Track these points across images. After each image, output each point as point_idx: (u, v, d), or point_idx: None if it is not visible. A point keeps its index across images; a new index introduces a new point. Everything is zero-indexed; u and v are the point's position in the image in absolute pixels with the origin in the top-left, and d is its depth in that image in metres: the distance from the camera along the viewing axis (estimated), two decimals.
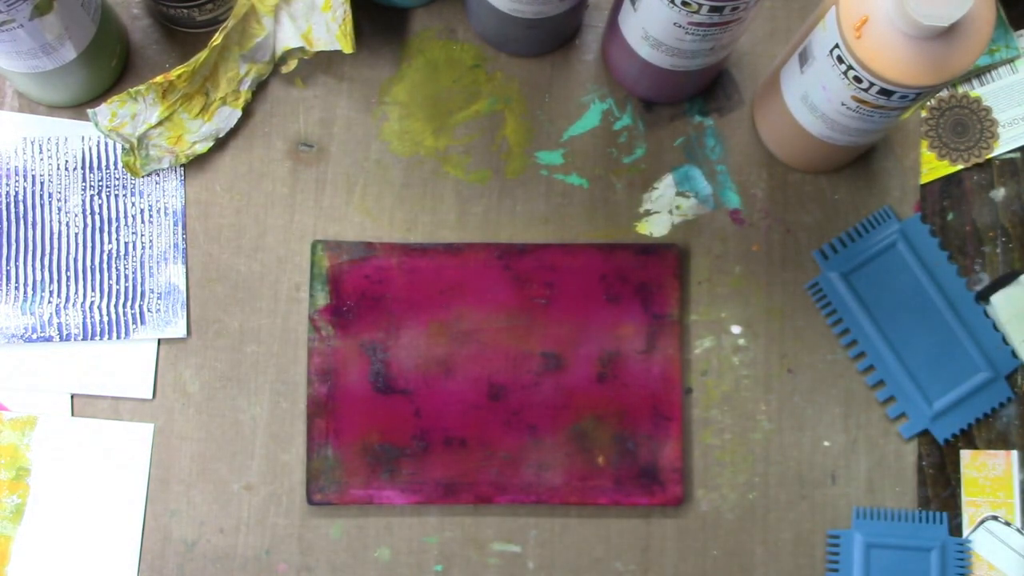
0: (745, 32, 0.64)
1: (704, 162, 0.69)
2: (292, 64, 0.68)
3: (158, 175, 0.67)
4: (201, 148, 0.67)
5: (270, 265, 0.67)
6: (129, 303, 0.66)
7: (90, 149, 0.67)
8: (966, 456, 0.68)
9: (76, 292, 0.66)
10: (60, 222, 0.66)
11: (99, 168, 0.67)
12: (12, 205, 0.66)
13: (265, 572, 0.65)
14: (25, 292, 0.65)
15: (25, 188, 0.66)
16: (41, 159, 0.67)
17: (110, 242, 0.66)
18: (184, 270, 0.67)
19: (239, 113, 0.67)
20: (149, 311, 0.66)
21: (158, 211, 0.67)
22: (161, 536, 0.65)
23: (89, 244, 0.66)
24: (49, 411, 0.65)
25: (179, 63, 0.66)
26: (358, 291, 0.66)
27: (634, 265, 0.67)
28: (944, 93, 0.71)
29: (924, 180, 0.70)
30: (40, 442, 0.65)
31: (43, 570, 0.64)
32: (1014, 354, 0.68)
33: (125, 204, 0.67)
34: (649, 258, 0.67)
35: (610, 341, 0.67)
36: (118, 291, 0.66)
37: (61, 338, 0.65)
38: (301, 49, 0.67)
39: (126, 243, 0.66)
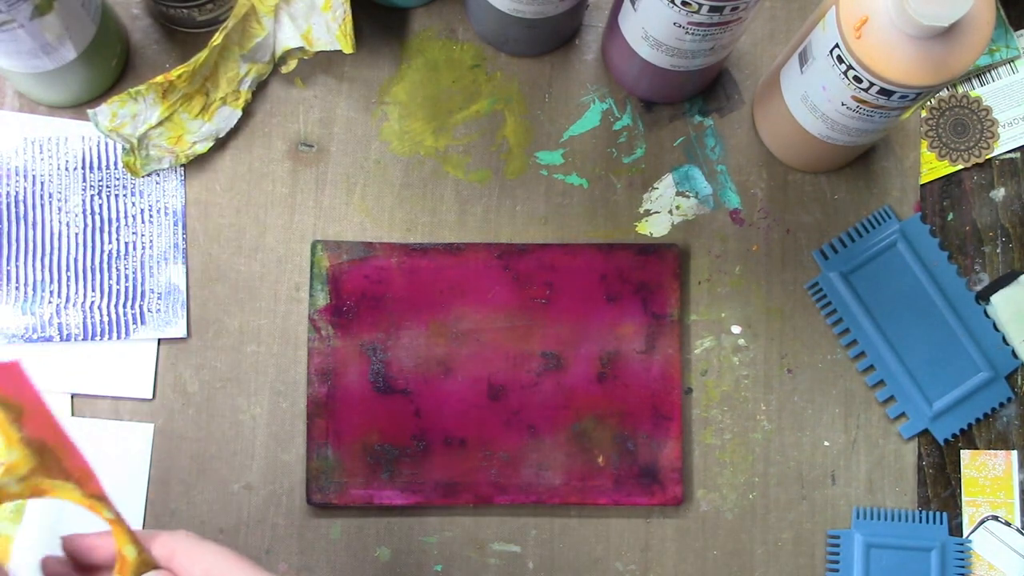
0: (745, 32, 0.64)
1: (704, 162, 0.69)
2: (292, 64, 0.68)
3: (158, 175, 0.67)
4: (201, 148, 0.67)
5: (270, 265, 0.67)
6: (129, 303, 0.66)
7: (90, 149, 0.67)
8: (966, 456, 0.68)
9: (76, 292, 0.66)
10: (60, 222, 0.66)
11: (99, 168, 0.67)
12: (12, 205, 0.66)
13: None
14: (25, 292, 0.65)
15: (25, 188, 0.66)
16: (41, 159, 0.67)
17: (110, 242, 0.66)
18: (184, 270, 0.67)
19: (239, 113, 0.67)
20: (149, 311, 0.66)
21: (158, 211, 0.67)
22: None
23: (89, 244, 0.66)
24: None
25: (179, 63, 0.66)
26: (358, 291, 0.66)
27: (634, 265, 0.67)
28: (944, 93, 0.71)
29: (924, 180, 0.70)
30: None
31: None
32: (1014, 354, 0.68)
33: (125, 204, 0.67)
34: (649, 258, 0.67)
35: (610, 341, 0.67)
36: (118, 291, 0.66)
37: (61, 338, 0.65)
38: (301, 49, 0.67)
39: (126, 243, 0.66)
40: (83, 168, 0.67)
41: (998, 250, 0.70)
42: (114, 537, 0.47)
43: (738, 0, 0.55)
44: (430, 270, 0.67)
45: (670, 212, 0.69)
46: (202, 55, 0.64)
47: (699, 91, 0.70)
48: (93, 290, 0.66)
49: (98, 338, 0.65)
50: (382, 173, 0.68)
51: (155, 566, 0.48)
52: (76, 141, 0.67)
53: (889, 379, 0.68)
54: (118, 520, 0.47)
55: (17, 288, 0.65)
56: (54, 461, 0.46)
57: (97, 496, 0.47)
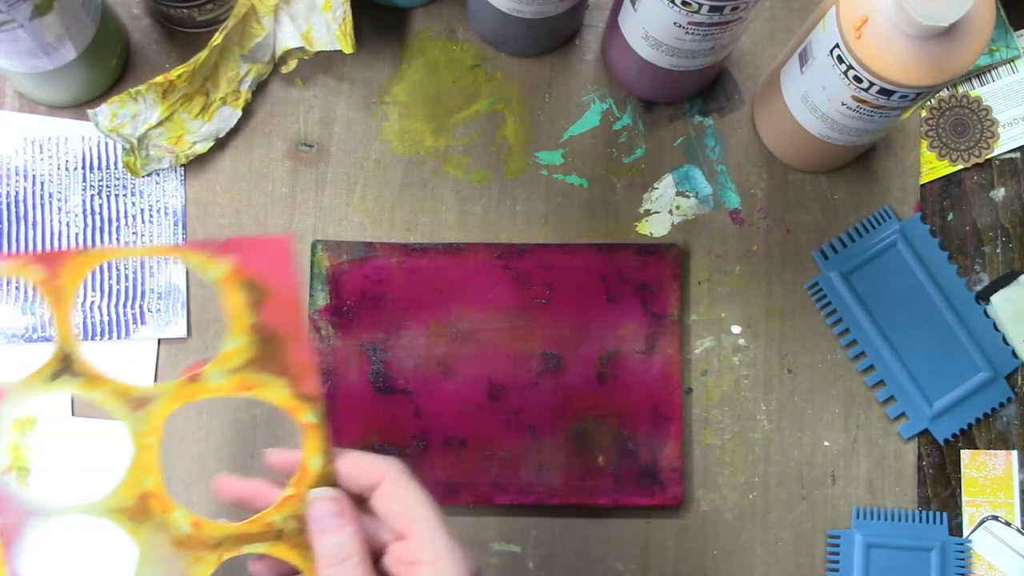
0: (745, 32, 0.64)
1: (704, 162, 0.69)
2: (292, 64, 0.68)
3: (158, 175, 0.67)
4: (201, 148, 0.67)
5: None
6: (129, 303, 0.66)
7: (90, 149, 0.67)
8: (966, 456, 0.68)
9: (76, 292, 0.66)
10: (60, 222, 0.66)
11: (99, 168, 0.67)
12: (12, 205, 0.66)
13: None
14: (25, 292, 0.65)
15: (25, 188, 0.66)
16: (41, 159, 0.67)
17: (110, 242, 0.66)
18: (184, 270, 0.67)
19: (239, 113, 0.67)
20: (149, 311, 0.66)
21: (158, 211, 0.67)
22: None
23: (89, 244, 0.66)
24: (49, 411, 0.65)
25: (179, 63, 0.66)
26: (358, 291, 0.66)
27: (634, 265, 0.67)
28: (944, 93, 0.71)
29: (924, 180, 0.70)
30: (40, 442, 0.65)
31: (43, 570, 0.64)
32: (1014, 354, 0.68)
33: (125, 204, 0.67)
34: (649, 258, 0.67)
35: (610, 341, 0.67)
36: (118, 291, 0.66)
37: None
38: (301, 49, 0.67)
39: (126, 243, 0.66)
40: (83, 168, 0.67)
41: (998, 250, 0.70)
42: (304, 444, 0.45)
43: (738, 0, 0.55)
44: (430, 270, 0.67)
45: (670, 212, 0.69)
46: (202, 55, 0.64)
47: (699, 91, 0.70)
48: (93, 290, 0.66)
49: (98, 338, 0.65)
50: (382, 173, 0.68)
51: (334, 484, 0.46)
52: (76, 141, 0.67)
53: (889, 379, 0.68)
54: (316, 427, 0.45)
55: (17, 288, 0.65)
56: (275, 354, 0.44)
57: (306, 396, 0.45)
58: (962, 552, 0.66)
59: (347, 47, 0.65)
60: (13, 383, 0.47)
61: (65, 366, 0.47)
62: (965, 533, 0.67)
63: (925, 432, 0.68)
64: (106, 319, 0.65)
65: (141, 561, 0.47)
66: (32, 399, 0.47)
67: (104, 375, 0.47)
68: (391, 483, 0.46)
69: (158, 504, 0.47)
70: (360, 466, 0.47)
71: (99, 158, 0.67)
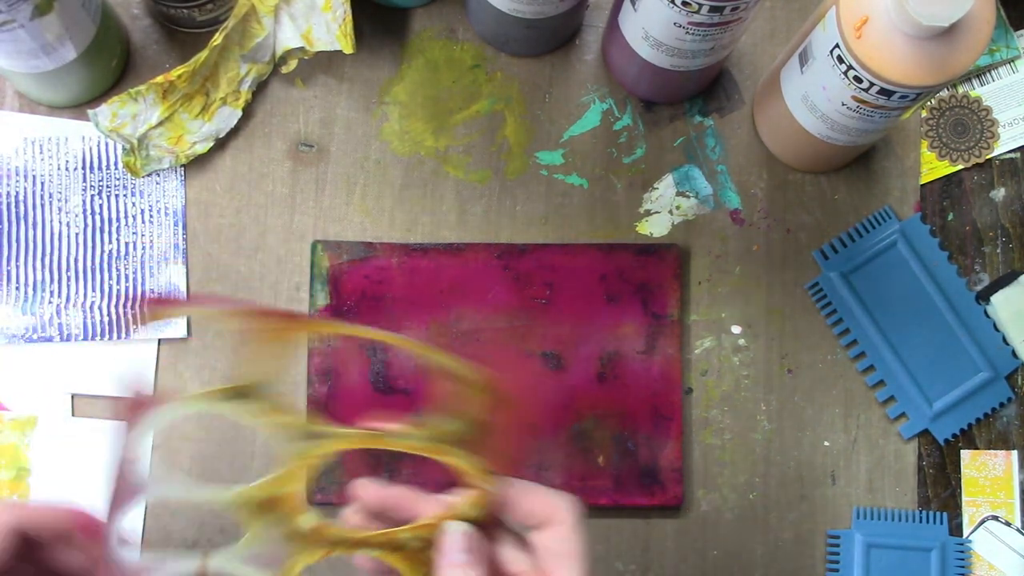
0: (745, 32, 0.64)
1: (704, 162, 0.69)
2: (292, 64, 0.68)
3: (158, 175, 0.67)
4: (201, 148, 0.67)
5: (270, 265, 0.67)
6: (129, 303, 0.66)
7: (90, 149, 0.67)
8: (966, 456, 0.68)
9: (76, 292, 0.66)
10: (60, 222, 0.66)
11: (99, 168, 0.67)
12: (12, 205, 0.66)
13: None
14: (26, 292, 0.65)
15: (25, 188, 0.66)
16: (41, 159, 0.67)
17: (110, 242, 0.66)
18: (184, 270, 0.67)
19: (239, 113, 0.67)
20: None
21: (158, 211, 0.67)
22: (161, 536, 0.65)
23: (89, 244, 0.66)
24: (49, 411, 0.65)
25: (179, 63, 0.66)
26: (358, 291, 0.66)
27: (634, 265, 0.67)
28: (944, 93, 0.71)
29: (924, 180, 0.70)
30: (40, 442, 0.65)
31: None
32: (1014, 354, 0.68)
33: (125, 204, 0.67)
34: (649, 258, 0.67)
35: (610, 341, 0.67)
36: (118, 291, 0.66)
37: (61, 338, 0.65)
38: (301, 49, 0.67)
39: (126, 243, 0.66)
40: (83, 168, 0.67)
41: (998, 250, 0.70)
42: (465, 495, 0.48)
43: (738, 0, 0.55)
44: (430, 270, 0.67)
45: (670, 212, 0.69)
46: (202, 55, 0.64)
47: (699, 91, 0.70)
48: (93, 290, 0.66)
49: (98, 338, 0.65)
50: (382, 173, 0.68)
51: (475, 518, 0.47)
52: (76, 141, 0.67)
53: (889, 379, 0.68)
54: (484, 493, 0.47)
55: (17, 288, 0.65)
56: (486, 444, 0.47)
57: (494, 472, 0.47)
58: (962, 552, 0.66)
59: (347, 47, 0.65)
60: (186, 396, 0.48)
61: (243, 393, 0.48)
62: (965, 533, 0.67)
63: (925, 432, 0.68)
64: (106, 319, 0.65)
65: (246, 540, 0.46)
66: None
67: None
68: (568, 529, 0.48)
69: (288, 504, 0.46)
70: (538, 501, 0.47)
71: (99, 158, 0.67)
